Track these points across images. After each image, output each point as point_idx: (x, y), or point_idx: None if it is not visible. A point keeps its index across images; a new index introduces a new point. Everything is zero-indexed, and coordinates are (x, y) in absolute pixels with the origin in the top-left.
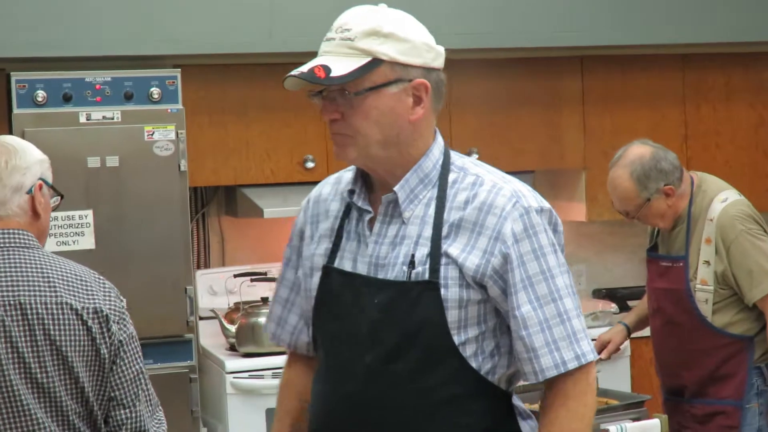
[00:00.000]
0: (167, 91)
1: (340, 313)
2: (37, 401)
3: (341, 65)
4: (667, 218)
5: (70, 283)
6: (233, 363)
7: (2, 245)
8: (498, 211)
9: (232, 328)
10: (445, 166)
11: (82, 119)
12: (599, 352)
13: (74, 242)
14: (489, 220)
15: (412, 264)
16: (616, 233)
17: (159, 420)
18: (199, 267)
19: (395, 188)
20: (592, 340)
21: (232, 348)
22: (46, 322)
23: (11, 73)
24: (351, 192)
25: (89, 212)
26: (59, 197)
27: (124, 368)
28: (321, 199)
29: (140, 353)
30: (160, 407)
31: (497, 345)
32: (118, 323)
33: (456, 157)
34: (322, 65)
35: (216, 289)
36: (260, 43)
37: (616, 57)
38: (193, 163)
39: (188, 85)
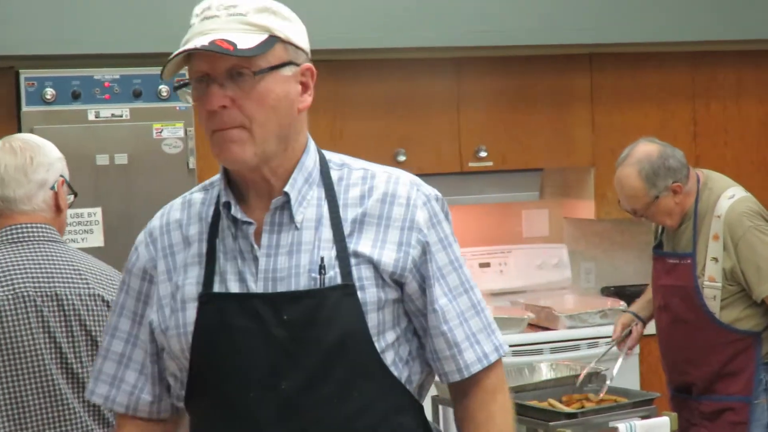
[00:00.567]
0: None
1: (235, 343)
2: (71, 390)
3: (242, 39)
4: (674, 216)
5: (98, 276)
6: None
7: (32, 238)
8: (403, 200)
9: None
10: (324, 164)
11: (91, 117)
12: (618, 345)
13: (83, 240)
14: (396, 210)
15: (322, 269)
16: (624, 231)
17: None
18: None
19: (286, 189)
20: (607, 338)
21: None
22: (81, 313)
23: (20, 70)
24: (226, 205)
25: (98, 210)
26: (73, 195)
27: None
28: (170, 229)
29: None
30: None
31: (410, 350)
32: None
33: (331, 155)
34: (222, 39)
35: None
36: None
37: (626, 54)
38: (201, 160)
39: None
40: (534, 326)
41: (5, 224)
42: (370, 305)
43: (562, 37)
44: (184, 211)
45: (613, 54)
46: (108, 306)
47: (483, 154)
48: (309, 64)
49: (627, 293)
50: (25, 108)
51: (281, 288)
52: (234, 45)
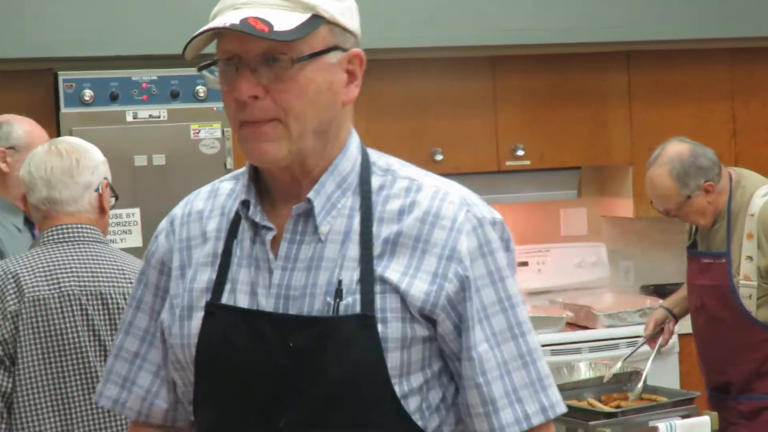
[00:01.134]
0: (213, 89)
1: (235, 365)
2: None
3: (281, 19)
4: (707, 215)
5: None
6: None
7: (78, 239)
8: (447, 222)
9: None
10: (365, 168)
11: (129, 118)
12: (649, 342)
13: (121, 240)
14: (437, 234)
15: (339, 293)
16: (663, 229)
17: None
18: None
19: (309, 195)
20: (640, 338)
21: None
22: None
23: (59, 72)
24: (245, 204)
25: (136, 210)
26: (115, 198)
27: None
28: (191, 219)
29: None
30: None
31: (444, 396)
32: None
33: (377, 156)
34: (256, 17)
35: None
36: None
37: (663, 51)
38: (238, 160)
39: None
40: (572, 325)
41: (51, 225)
42: (392, 342)
43: (599, 34)
44: (209, 200)
45: (651, 51)
46: None
47: (520, 152)
48: (358, 50)
49: (666, 292)
50: (63, 110)
51: (293, 309)
52: (270, 26)
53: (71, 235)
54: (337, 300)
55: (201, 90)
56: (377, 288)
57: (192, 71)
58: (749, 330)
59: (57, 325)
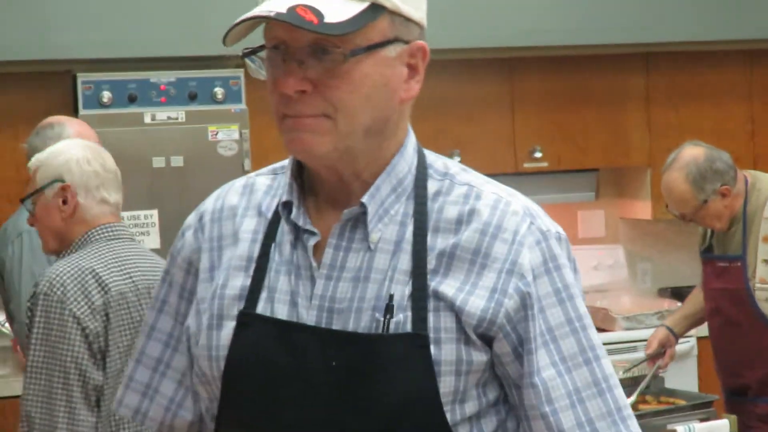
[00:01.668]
0: (231, 91)
1: (270, 383)
2: None
3: (334, 8)
4: (723, 219)
5: None
6: None
7: (125, 236)
8: (509, 235)
9: None
10: (422, 171)
11: (147, 119)
12: (648, 362)
13: (140, 241)
14: (497, 247)
15: (389, 309)
16: (681, 231)
17: None
18: None
19: (364, 199)
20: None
21: None
22: None
23: (77, 74)
24: (287, 205)
25: (154, 212)
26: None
27: None
28: (222, 216)
29: None
30: None
31: (497, 427)
32: None
33: (434, 158)
34: (306, 6)
35: None
36: None
37: (682, 53)
38: (256, 162)
39: (252, 84)
40: None
41: (100, 223)
42: (445, 365)
43: (616, 36)
44: (244, 196)
45: (669, 53)
46: None
47: (538, 154)
48: (422, 42)
49: (684, 294)
50: (82, 111)
51: (337, 324)
52: (320, 16)
53: (119, 233)
54: (388, 317)
55: (219, 92)
56: (430, 305)
57: (210, 73)
58: (765, 333)
59: (137, 318)
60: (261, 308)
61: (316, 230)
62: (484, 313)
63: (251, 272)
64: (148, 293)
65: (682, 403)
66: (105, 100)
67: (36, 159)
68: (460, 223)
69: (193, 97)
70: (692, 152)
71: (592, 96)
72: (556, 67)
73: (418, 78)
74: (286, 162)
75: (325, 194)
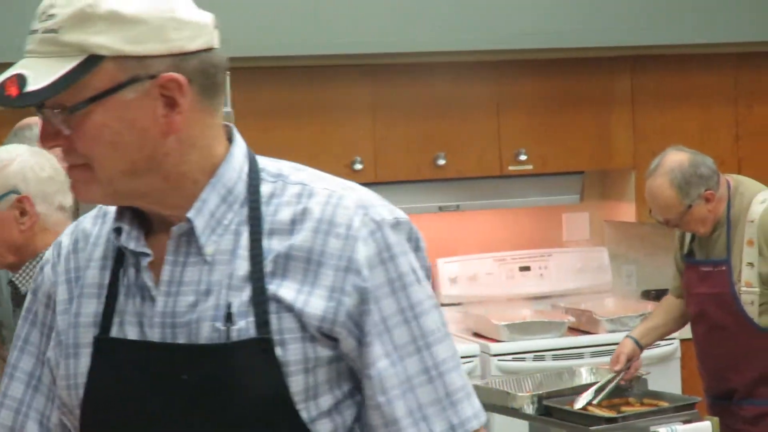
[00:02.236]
0: None
1: (128, 404)
2: None
3: (43, 72)
4: (707, 223)
5: None
6: None
7: None
8: (343, 230)
9: None
10: (254, 176)
11: None
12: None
13: None
14: (332, 244)
15: (229, 317)
16: (666, 234)
17: None
18: None
19: (189, 214)
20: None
21: None
22: None
23: None
24: (117, 231)
25: None
26: None
27: None
28: (79, 247)
29: None
30: None
31: (359, 415)
32: None
33: (267, 162)
34: (18, 74)
35: None
36: (308, 44)
37: (667, 56)
38: None
39: (237, 87)
40: (574, 330)
41: (62, 231)
42: (293, 365)
43: (603, 39)
44: (97, 224)
45: (655, 56)
46: None
47: (523, 157)
48: (170, 75)
49: None
50: None
51: (181, 338)
52: (22, 86)
53: None
54: (228, 324)
55: None
56: (272, 308)
57: None
58: (752, 336)
59: None
60: (114, 332)
61: (148, 251)
62: (325, 313)
63: (103, 298)
64: None
65: (665, 405)
66: None
67: None
68: (294, 223)
69: None
70: (676, 157)
71: (579, 99)
72: (542, 69)
73: (180, 109)
74: None
75: (153, 218)
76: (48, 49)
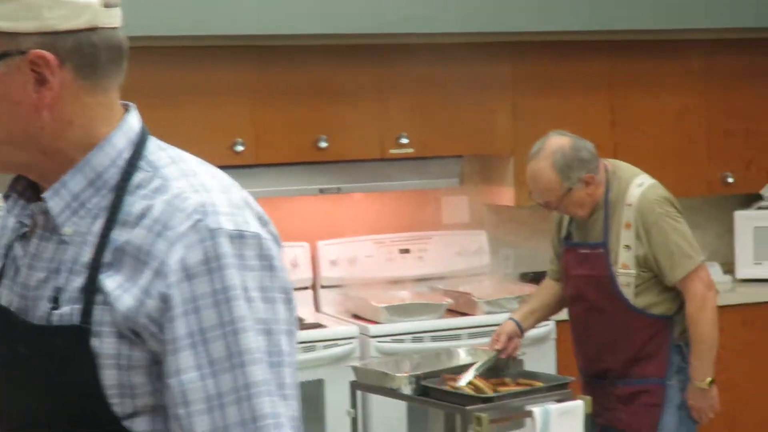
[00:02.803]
0: None
1: None
2: None
3: None
4: (586, 207)
5: None
6: None
7: None
8: (171, 233)
9: None
10: (133, 162)
11: None
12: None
13: None
14: (158, 245)
15: (55, 300)
16: (544, 218)
17: None
18: None
19: (45, 194)
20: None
21: None
22: None
23: None
24: (6, 197)
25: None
26: None
27: None
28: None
29: None
30: None
31: None
32: None
33: (154, 149)
34: None
35: None
36: (188, 25)
37: (548, 43)
38: None
39: None
40: (453, 312)
41: None
42: (106, 358)
43: (485, 25)
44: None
45: (535, 42)
46: None
47: (404, 140)
48: (39, 51)
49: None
50: None
51: (29, 312)
52: None
53: None
54: (55, 308)
55: None
56: (98, 299)
57: None
58: (628, 317)
59: None
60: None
61: (26, 222)
62: (129, 312)
63: (2, 263)
64: None
65: (540, 384)
66: None
67: None
68: (139, 218)
69: None
70: (558, 141)
71: (460, 84)
72: (426, 54)
73: (50, 85)
74: None
75: (44, 187)
76: None
